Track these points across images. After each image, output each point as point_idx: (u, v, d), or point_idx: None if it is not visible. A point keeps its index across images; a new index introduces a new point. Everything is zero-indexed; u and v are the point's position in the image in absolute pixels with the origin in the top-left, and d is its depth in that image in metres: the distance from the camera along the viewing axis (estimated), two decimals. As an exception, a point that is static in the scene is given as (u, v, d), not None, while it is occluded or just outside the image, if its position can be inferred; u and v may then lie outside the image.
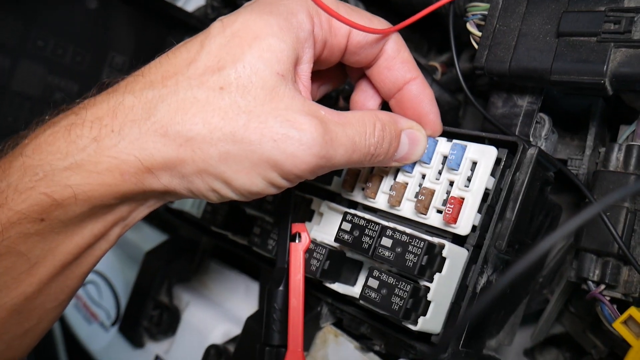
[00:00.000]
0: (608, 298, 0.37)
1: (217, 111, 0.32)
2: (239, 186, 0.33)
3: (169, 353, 0.60)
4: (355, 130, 0.35)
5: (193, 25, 0.68)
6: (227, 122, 0.32)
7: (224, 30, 0.33)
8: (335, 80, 0.44)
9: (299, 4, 0.34)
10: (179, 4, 0.78)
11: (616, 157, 0.40)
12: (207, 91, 0.32)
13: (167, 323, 0.59)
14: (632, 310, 0.32)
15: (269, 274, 0.54)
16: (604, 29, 0.36)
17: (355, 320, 0.46)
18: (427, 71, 0.53)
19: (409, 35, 0.72)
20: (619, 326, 0.32)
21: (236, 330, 0.56)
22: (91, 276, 0.76)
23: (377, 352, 0.45)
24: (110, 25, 0.66)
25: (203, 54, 0.33)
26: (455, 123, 0.58)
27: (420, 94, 0.39)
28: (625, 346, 0.35)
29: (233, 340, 0.55)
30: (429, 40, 0.74)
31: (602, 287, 0.38)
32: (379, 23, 0.38)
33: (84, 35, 0.64)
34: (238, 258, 0.64)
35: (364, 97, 0.42)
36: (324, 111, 0.34)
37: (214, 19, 0.69)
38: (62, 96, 0.64)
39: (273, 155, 0.32)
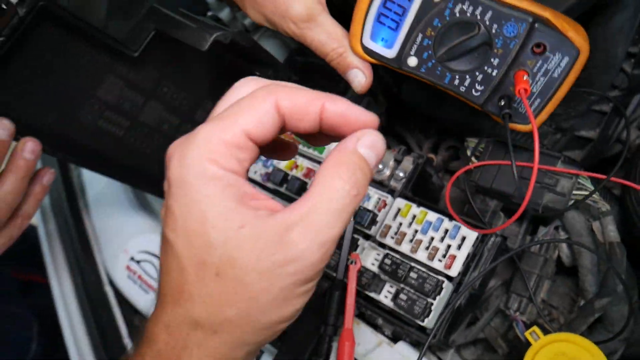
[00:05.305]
0: (522, 320, 0.70)
1: (231, 295, 0.39)
2: None
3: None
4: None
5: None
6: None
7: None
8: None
9: None
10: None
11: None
12: (208, 286, 0.38)
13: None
14: (534, 328, 0.65)
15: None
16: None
17: (373, 315, 0.75)
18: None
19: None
20: (527, 335, 0.64)
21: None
22: (146, 256, 0.98)
23: (386, 336, 0.75)
24: (211, 77, 0.89)
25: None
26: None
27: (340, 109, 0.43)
28: (523, 349, 0.66)
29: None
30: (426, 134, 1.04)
31: (517, 313, 0.71)
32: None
33: (193, 86, 0.87)
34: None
35: None
36: None
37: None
38: (167, 127, 0.87)
39: None
